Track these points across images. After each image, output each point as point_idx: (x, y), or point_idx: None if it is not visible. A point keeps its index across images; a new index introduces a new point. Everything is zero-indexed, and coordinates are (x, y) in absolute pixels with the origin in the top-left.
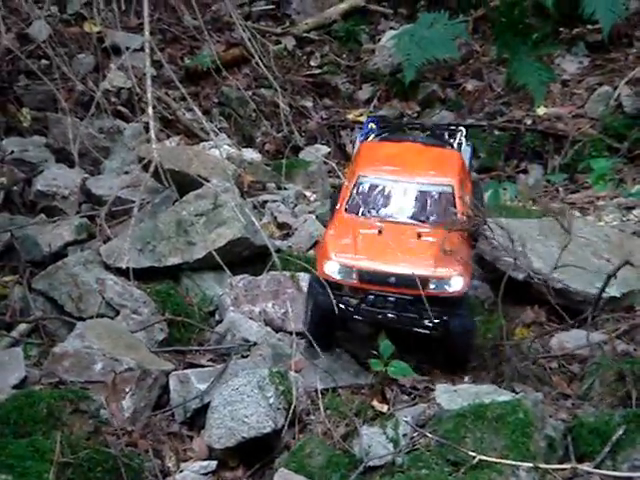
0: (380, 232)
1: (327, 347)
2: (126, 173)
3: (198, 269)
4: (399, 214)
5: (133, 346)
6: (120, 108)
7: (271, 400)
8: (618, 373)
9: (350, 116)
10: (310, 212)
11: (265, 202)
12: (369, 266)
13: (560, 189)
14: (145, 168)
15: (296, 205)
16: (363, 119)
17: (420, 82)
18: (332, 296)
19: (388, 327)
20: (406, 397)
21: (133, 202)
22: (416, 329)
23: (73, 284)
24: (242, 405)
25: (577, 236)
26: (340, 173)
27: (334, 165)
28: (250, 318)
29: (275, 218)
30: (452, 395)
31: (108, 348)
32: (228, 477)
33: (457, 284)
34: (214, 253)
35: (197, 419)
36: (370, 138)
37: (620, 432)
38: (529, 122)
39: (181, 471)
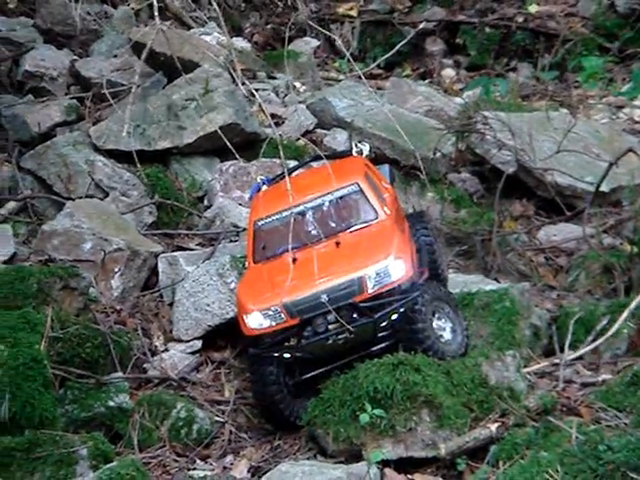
0: (295, 260)
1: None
2: (115, 57)
3: (188, 154)
4: (310, 237)
5: (122, 227)
6: None
7: (232, 285)
8: (604, 266)
9: (340, 10)
10: (300, 102)
11: (256, 91)
12: (293, 296)
13: (550, 87)
14: (134, 51)
15: (286, 95)
16: (353, 13)
17: None
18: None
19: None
20: None
21: (122, 85)
22: (378, 343)
23: (62, 164)
24: (203, 295)
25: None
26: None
27: None
28: (239, 204)
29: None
30: None
31: (98, 228)
32: (216, 357)
33: (398, 269)
34: (220, 132)
35: None
36: (263, 189)
37: (604, 322)
38: (520, 20)
39: (168, 350)
